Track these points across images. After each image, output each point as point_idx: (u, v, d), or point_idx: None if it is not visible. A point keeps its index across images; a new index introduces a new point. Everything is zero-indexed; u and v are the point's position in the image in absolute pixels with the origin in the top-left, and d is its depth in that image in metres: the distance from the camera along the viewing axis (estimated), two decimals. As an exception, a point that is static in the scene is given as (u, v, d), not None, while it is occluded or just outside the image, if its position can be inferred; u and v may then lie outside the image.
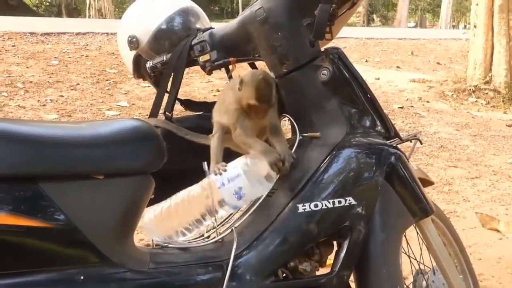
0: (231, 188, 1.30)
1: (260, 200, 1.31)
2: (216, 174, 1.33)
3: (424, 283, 1.55)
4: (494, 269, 2.75)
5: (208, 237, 1.37)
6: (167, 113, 1.59)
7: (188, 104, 1.73)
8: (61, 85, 5.48)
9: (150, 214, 1.38)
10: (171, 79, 1.59)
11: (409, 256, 1.62)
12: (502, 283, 2.61)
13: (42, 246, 1.04)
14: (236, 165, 1.33)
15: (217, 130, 1.43)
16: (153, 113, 1.60)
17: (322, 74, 1.37)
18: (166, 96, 1.62)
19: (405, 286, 1.45)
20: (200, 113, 1.71)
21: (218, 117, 1.43)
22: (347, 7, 1.48)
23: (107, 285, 1.10)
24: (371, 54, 10.24)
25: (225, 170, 1.33)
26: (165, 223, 1.36)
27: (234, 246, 1.23)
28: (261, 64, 1.59)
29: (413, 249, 1.64)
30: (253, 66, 1.70)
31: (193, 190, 1.36)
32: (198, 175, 1.37)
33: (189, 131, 1.54)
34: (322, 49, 1.43)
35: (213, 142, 1.42)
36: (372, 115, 1.41)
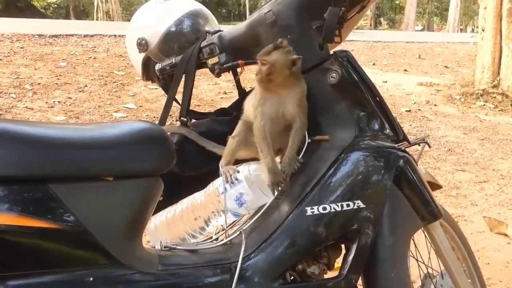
0: (233, 194, 1.31)
1: (268, 203, 1.31)
2: (227, 176, 1.33)
3: (432, 287, 1.54)
4: (502, 274, 2.74)
5: (217, 239, 1.37)
6: (182, 118, 1.59)
7: (191, 114, 1.72)
8: (69, 87, 5.51)
9: (155, 221, 1.39)
10: (181, 83, 1.59)
11: (417, 260, 1.62)
12: (510, 288, 2.59)
13: (52, 247, 1.04)
14: (239, 171, 1.33)
15: (238, 133, 1.42)
16: (163, 118, 1.60)
17: (331, 77, 1.37)
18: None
19: (413, 290, 1.44)
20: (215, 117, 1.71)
21: (247, 105, 1.43)
22: (356, 10, 1.48)
23: (115, 286, 1.10)
24: (378, 57, 10.22)
25: (236, 179, 1.33)
26: (170, 229, 1.36)
27: (243, 249, 1.23)
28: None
29: (421, 253, 1.64)
30: None
31: (198, 197, 1.37)
32: (211, 179, 1.37)
33: (207, 140, 1.55)
34: (331, 52, 1.42)
35: (231, 143, 1.41)
36: (380, 118, 1.41)
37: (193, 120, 1.67)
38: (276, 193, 1.31)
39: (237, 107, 1.50)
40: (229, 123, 1.59)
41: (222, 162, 1.39)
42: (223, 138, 1.48)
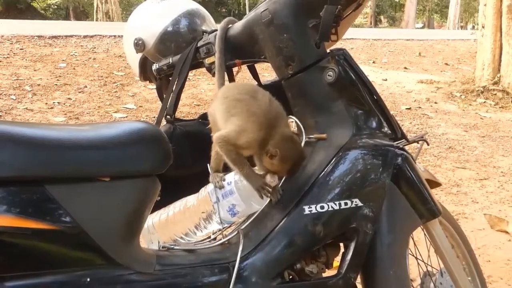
0: (225, 205, 1.31)
1: (266, 202, 1.31)
2: (215, 186, 1.33)
3: (431, 285, 1.54)
4: (503, 271, 2.74)
5: (215, 239, 1.37)
6: (168, 116, 1.58)
7: (177, 121, 1.70)
8: (68, 88, 5.50)
9: (147, 223, 1.39)
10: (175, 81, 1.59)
11: (416, 258, 1.62)
12: (511, 285, 2.59)
13: (49, 248, 1.04)
14: (230, 181, 1.33)
15: None
16: (160, 118, 1.60)
17: (328, 75, 1.36)
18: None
19: (412, 288, 1.44)
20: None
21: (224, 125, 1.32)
22: (352, 8, 1.48)
23: (113, 287, 1.10)
24: (378, 55, 10.21)
25: (223, 186, 1.32)
26: (163, 231, 1.36)
27: (240, 248, 1.23)
28: (262, 66, 1.59)
29: (421, 251, 1.63)
30: (252, 69, 1.69)
31: (190, 201, 1.37)
32: (204, 178, 1.37)
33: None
34: (328, 51, 1.42)
35: (215, 153, 1.38)
36: (378, 116, 1.41)
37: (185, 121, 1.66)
38: (268, 199, 1.30)
39: None
40: None
41: (211, 172, 1.37)
42: (210, 140, 1.47)
